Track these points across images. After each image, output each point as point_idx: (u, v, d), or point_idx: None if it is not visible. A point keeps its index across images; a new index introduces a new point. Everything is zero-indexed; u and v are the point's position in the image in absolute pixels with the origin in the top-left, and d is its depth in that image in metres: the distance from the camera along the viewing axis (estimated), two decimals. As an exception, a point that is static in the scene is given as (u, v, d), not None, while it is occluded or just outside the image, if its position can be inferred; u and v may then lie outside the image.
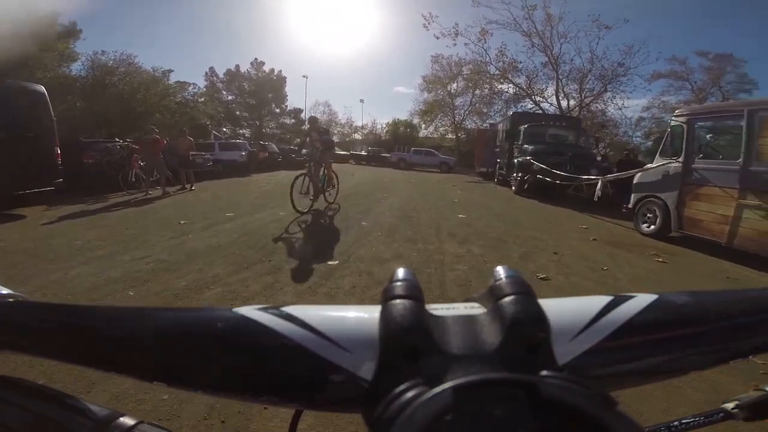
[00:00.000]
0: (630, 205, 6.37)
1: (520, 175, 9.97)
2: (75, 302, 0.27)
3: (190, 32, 62.07)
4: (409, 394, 0.15)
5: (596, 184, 7.46)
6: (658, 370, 0.21)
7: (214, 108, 31.38)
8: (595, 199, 7.33)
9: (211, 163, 12.89)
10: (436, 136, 32.47)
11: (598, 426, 0.13)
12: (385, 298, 0.20)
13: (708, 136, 5.63)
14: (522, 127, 11.13)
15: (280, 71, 39.63)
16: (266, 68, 38.94)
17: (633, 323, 0.21)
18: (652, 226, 5.77)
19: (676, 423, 0.32)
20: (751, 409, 0.31)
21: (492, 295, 0.20)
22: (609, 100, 22.71)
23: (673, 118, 5.79)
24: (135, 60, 19.85)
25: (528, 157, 9.80)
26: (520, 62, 23.81)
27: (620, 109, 23.02)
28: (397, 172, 18.52)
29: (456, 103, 29.21)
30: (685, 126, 5.39)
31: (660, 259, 4.37)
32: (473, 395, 0.14)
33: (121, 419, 0.23)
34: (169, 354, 0.20)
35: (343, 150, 29.66)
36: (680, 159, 5.38)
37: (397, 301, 0.19)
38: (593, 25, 21.56)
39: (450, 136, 31.46)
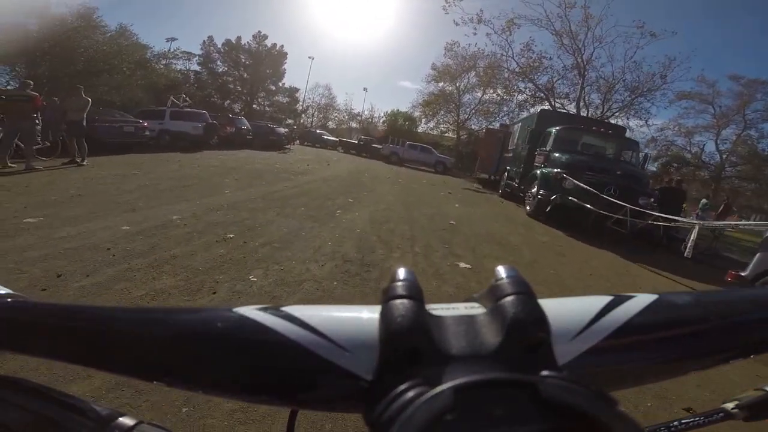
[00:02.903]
0: (746, 275, 3.81)
1: (542, 192, 7.33)
2: (75, 302, 0.24)
3: (202, 2, 57.94)
4: (409, 394, 0.15)
5: (637, 216, 5.85)
6: (658, 370, 0.22)
7: (184, 73, 29.20)
8: (687, 254, 4.77)
9: (149, 133, 10.75)
10: (435, 132, 30.53)
11: (599, 426, 0.13)
12: (385, 298, 0.20)
13: None
14: (553, 129, 8.52)
15: (282, 47, 37.97)
16: (268, 43, 37.61)
17: (633, 323, 0.20)
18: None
19: (675, 423, 0.32)
20: (751, 409, 0.31)
21: (492, 295, 0.20)
22: (634, 116, 20.63)
23: None
24: (97, 16, 17.47)
25: (558, 170, 7.16)
26: (550, 58, 21.76)
27: (645, 125, 20.94)
28: (386, 168, 15.82)
29: (463, 100, 26.89)
30: None
31: None
32: (473, 395, 0.14)
33: (121, 419, 0.23)
34: (169, 354, 0.20)
35: (336, 136, 27.21)
36: None
37: (397, 301, 0.19)
38: (637, 32, 19.81)
39: (450, 134, 29.11)
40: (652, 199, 7.11)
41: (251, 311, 0.20)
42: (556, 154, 7.86)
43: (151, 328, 0.21)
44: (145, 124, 10.84)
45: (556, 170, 7.27)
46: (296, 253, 3.35)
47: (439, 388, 0.14)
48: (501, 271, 0.21)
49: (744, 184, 26.27)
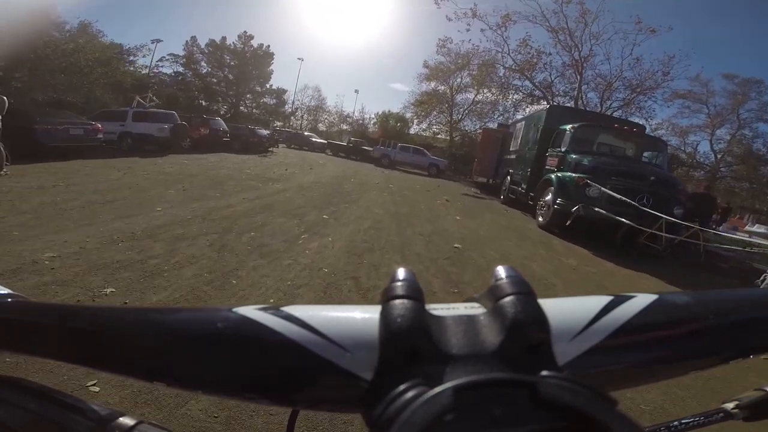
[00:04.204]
0: None
1: (560, 201, 6.10)
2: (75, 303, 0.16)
3: (187, 4, 56.20)
4: (409, 394, 0.15)
5: (677, 231, 5.27)
6: (658, 370, 0.21)
7: (155, 75, 27.99)
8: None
9: (101, 136, 9.59)
10: (428, 134, 29.32)
11: (598, 426, 0.13)
12: (385, 298, 0.19)
13: None
14: (568, 128, 7.27)
15: (268, 47, 36.95)
16: (254, 43, 36.83)
17: (633, 323, 0.20)
18: None
19: (675, 423, 0.32)
20: (751, 409, 0.31)
21: (492, 295, 0.20)
22: (634, 114, 19.89)
23: None
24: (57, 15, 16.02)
25: (580, 175, 5.95)
26: (549, 53, 20.82)
27: (647, 123, 20.12)
28: (376, 171, 14.50)
29: (456, 100, 25.78)
30: None
31: None
32: (473, 395, 0.14)
33: (121, 419, 0.23)
34: (169, 354, 0.20)
35: (327, 138, 26.06)
36: None
37: (397, 301, 0.19)
38: (634, 28, 19.11)
39: (443, 136, 27.91)
40: (683, 209, 5.96)
41: (251, 311, 0.20)
42: (574, 156, 6.64)
43: (151, 328, 0.20)
44: (98, 126, 9.62)
45: (577, 175, 6.05)
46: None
47: (439, 388, 0.14)
48: (501, 271, 0.21)
49: (739, 184, 25.77)
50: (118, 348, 0.21)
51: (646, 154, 7.61)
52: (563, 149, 7.03)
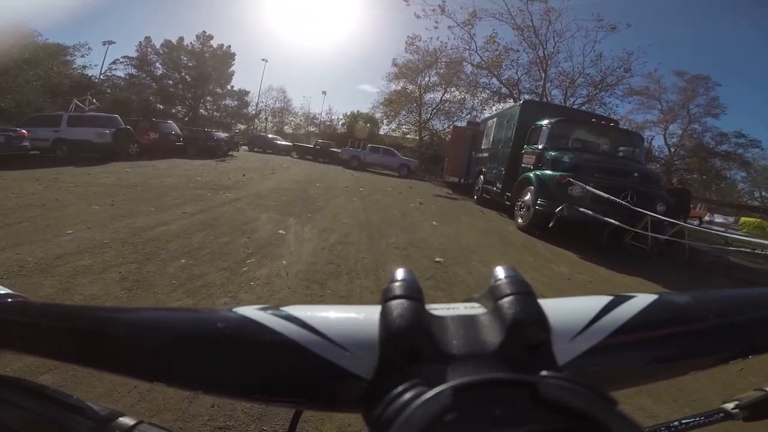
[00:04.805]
0: None
1: (541, 202, 5.70)
2: (75, 303, 0.20)
3: (146, 3, 52.60)
4: (409, 394, 0.15)
5: (661, 229, 4.96)
6: (658, 370, 0.22)
7: (108, 78, 26.11)
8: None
9: (27, 143, 8.66)
10: (397, 134, 28.82)
11: (598, 426, 0.13)
12: (385, 298, 0.19)
13: None
14: (544, 123, 6.89)
15: (229, 47, 35.09)
16: (214, 43, 35.48)
17: (633, 323, 0.20)
18: None
19: (675, 423, 0.31)
20: (751, 409, 0.31)
21: (492, 295, 0.20)
22: (596, 110, 20.38)
23: None
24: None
25: (561, 173, 5.58)
26: (517, 50, 21.02)
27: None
28: (346, 174, 13.77)
29: (425, 99, 25.45)
30: None
31: None
32: (473, 395, 0.14)
33: (121, 419, 0.23)
34: (169, 354, 0.20)
35: (293, 141, 25.13)
36: None
37: (397, 301, 0.19)
38: (596, 25, 19.64)
39: (412, 136, 27.53)
40: (666, 206, 5.74)
41: (252, 311, 0.20)
42: (553, 153, 6.27)
43: (151, 329, 0.21)
44: (23, 132, 8.45)
45: (558, 173, 5.66)
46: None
47: (438, 388, 0.14)
48: (500, 271, 0.21)
49: (691, 176, 27.35)
50: (119, 348, 0.21)
51: (621, 149, 7.42)
52: (540, 146, 6.65)
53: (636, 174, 5.71)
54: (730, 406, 0.32)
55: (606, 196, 5.11)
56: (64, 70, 18.92)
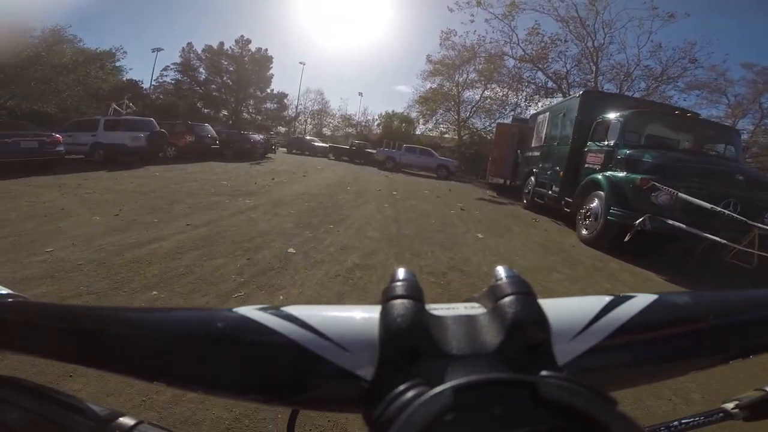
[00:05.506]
0: None
1: (615, 210, 4.62)
2: (75, 303, 0.19)
3: (190, 10, 56.36)
4: (409, 394, 0.15)
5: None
6: (658, 370, 0.21)
7: (160, 85, 27.35)
8: None
9: (61, 148, 8.50)
10: (435, 134, 27.58)
11: (598, 426, 0.13)
12: (385, 298, 0.20)
13: None
14: (617, 116, 5.71)
15: (266, 50, 36.15)
16: (252, 47, 36.35)
17: (633, 323, 0.20)
18: None
19: (675, 423, 0.31)
20: (751, 409, 0.31)
21: (492, 295, 0.20)
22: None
23: None
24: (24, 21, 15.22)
25: (643, 176, 4.46)
26: (564, 41, 19.33)
27: None
28: (379, 176, 13.06)
29: (463, 97, 24.15)
30: None
31: None
32: (473, 395, 0.14)
33: (121, 419, 0.24)
34: (169, 354, 0.20)
35: (332, 143, 25.15)
36: None
37: (397, 301, 0.19)
38: (650, 14, 17.78)
39: (450, 135, 26.28)
40: None
41: (251, 311, 0.20)
42: (628, 152, 5.12)
43: (151, 328, 0.20)
44: (58, 137, 8.49)
45: (639, 176, 4.53)
46: None
47: (438, 388, 0.14)
48: (501, 271, 0.21)
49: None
50: (119, 348, 0.21)
51: (709, 146, 6.03)
52: (611, 143, 5.50)
53: (740, 177, 4.46)
54: (730, 406, 0.31)
55: (707, 205, 3.94)
56: (101, 75, 19.80)
